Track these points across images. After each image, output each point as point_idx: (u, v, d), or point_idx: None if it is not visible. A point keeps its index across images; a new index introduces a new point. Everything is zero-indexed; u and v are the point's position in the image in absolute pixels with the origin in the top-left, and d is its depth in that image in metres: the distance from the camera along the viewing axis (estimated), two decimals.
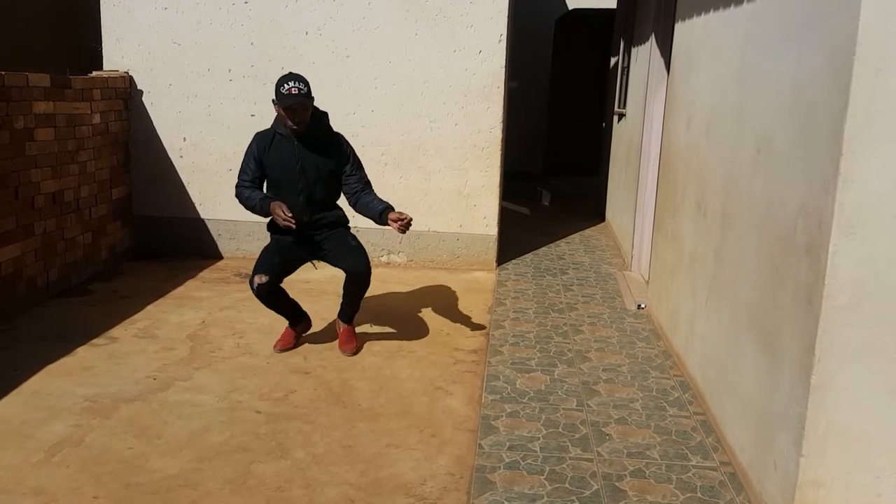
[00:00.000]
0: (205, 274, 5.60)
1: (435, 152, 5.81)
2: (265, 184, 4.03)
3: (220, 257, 6.05)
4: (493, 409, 3.46)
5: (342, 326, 4.19)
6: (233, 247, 6.06)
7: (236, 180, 4.02)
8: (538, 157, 10.60)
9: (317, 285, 5.01)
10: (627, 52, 7.23)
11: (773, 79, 2.77)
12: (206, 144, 5.91)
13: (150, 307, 4.77)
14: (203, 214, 6.03)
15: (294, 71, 4.04)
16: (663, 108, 5.16)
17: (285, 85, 3.78)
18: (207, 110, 5.86)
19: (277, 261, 3.96)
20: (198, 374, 3.78)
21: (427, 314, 4.83)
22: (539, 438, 3.18)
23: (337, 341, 4.20)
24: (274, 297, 3.99)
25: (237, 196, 4.00)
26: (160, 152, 5.94)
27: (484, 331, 4.52)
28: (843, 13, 2.20)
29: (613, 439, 3.20)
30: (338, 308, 4.22)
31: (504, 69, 5.70)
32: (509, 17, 5.67)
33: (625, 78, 7.28)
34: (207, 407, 3.42)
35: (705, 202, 3.62)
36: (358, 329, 4.40)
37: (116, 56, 5.82)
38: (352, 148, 4.09)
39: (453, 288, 5.44)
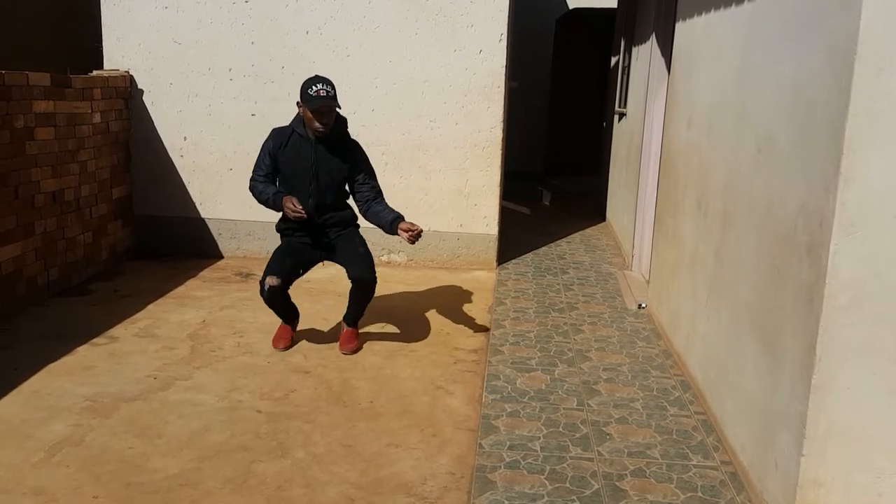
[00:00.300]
0: (205, 273, 5.60)
1: (435, 152, 5.81)
2: (278, 181, 4.05)
3: (220, 257, 6.05)
4: (494, 408, 3.46)
5: (345, 328, 4.20)
6: (233, 246, 6.06)
7: (251, 174, 4.03)
8: (539, 157, 10.60)
9: (317, 285, 5.01)
10: (628, 51, 7.23)
11: (773, 78, 2.77)
12: (207, 144, 5.91)
13: (150, 306, 4.77)
14: (204, 214, 6.03)
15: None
16: (664, 107, 5.16)
17: (313, 87, 3.78)
18: (208, 109, 5.86)
19: (289, 263, 3.98)
20: (198, 373, 3.78)
21: (427, 314, 4.83)
22: (539, 438, 3.18)
23: (338, 342, 4.20)
24: (282, 299, 4.02)
25: (251, 189, 4.01)
26: (161, 152, 5.94)
27: (484, 330, 4.52)
28: (843, 12, 2.20)
29: (614, 439, 3.20)
30: (338, 308, 4.23)
31: (504, 68, 5.69)
32: (510, 16, 5.67)
33: (625, 77, 7.27)
34: (208, 406, 3.42)
35: (706, 202, 3.62)
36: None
37: (117, 55, 5.82)
38: (366, 156, 4.11)
39: (454, 287, 5.44)
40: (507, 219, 6.85)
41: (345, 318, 4.22)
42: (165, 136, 5.92)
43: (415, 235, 3.81)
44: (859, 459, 2.34)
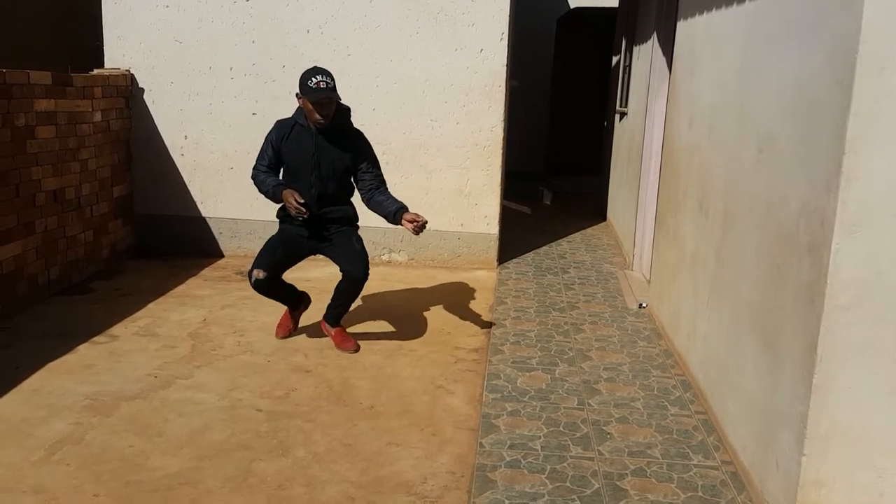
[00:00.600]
0: (206, 272, 5.60)
1: (436, 151, 5.80)
2: (282, 171, 4.06)
3: (221, 255, 6.05)
4: (494, 407, 3.46)
5: (333, 329, 4.15)
6: (234, 245, 6.06)
7: (254, 163, 4.05)
8: (539, 156, 10.60)
9: (318, 284, 5.00)
10: (629, 50, 7.22)
11: (775, 78, 2.77)
12: (208, 143, 5.91)
13: (151, 305, 4.77)
14: (204, 213, 6.03)
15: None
16: (665, 106, 5.15)
17: (313, 78, 3.78)
18: (209, 108, 5.86)
19: (279, 254, 3.99)
20: (199, 372, 3.78)
21: (428, 313, 4.83)
22: (540, 437, 3.18)
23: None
24: (272, 289, 4.05)
25: (252, 178, 4.02)
26: (161, 150, 5.93)
27: (485, 329, 4.52)
28: (845, 12, 2.20)
29: (614, 438, 3.19)
30: None
31: (505, 68, 5.69)
32: (511, 15, 5.66)
33: (626, 77, 7.27)
34: (208, 405, 3.42)
35: (707, 201, 3.62)
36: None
37: (118, 54, 5.82)
38: (370, 146, 4.08)
39: (454, 287, 5.44)
40: (507, 218, 6.84)
41: (327, 318, 4.15)
42: (166, 134, 5.92)
43: (419, 226, 3.78)
44: (861, 459, 2.34)
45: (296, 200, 3.76)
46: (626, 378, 3.85)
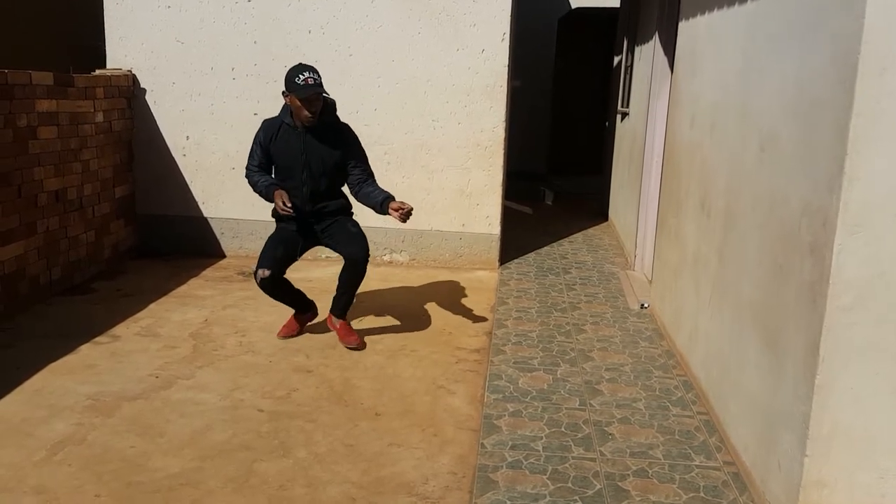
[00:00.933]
0: (207, 272, 5.60)
1: (438, 151, 5.80)
2: (273, 170, 4.09)
3: (222, 256, 6.05)
4: (496, 408, 3.45)
5: (338, 322, 4.18)
6: (235, 245, 6.06)
7: (246, 162, 4.11)
8: (541, 157, 10.59)
9: (319, 284, 5.00)
10: (631, 51, 7.22)
11: (776, 77, 2.76)
12: (210, 143, 5.91)
13: (152, 305, 4.77)
14: (206, 213, 6.03)
15: None
16: (667, 106, 5.15)
17: (300, 76, 3.80)
18: (210, 109, 5.86)
19: (280, 252, 4.01)
20: (200, 372, 3.78)
21: (429, 313, 4.83)
22: (542, 438, 3.17)
23: (338, 339, 4.20)
24: (278, 288, 4.07)
25: (246, 178, 4.09)
26: (163, 151, 5.94)
27: (486, 330, 4.52)
28: (846, 12, 2.19)
29: (616, 439, 3.19)
30: None
31: (507, 68, 5.69)
32: (512, 15, 5.66)
33: (628, 77, 7.27)
34: (210, 405, 3.42)
35: (709, 201, 3.61)
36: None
37: (119, 54, 5.83)
38: (357, 139, 4.11)
39: (456, 287, 5.44)
40: (509, 218, 6.84)
41: (333, 310, 4.18)
42: (168, 135, 5.92)
43: (405, 213, 3.81)
44: (863, 460, 2.33)
45: (283, 202, 3.78)
46: (627, 378, 3.84)
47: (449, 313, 4.82)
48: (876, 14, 2.08)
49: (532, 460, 2.98)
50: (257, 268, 3.96)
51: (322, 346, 4.17)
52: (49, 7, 7.48)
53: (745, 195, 3.07)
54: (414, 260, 5.99)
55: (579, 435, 3.21)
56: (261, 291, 4.08)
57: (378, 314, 4.73)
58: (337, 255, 4.23)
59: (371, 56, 5.70)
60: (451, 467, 2.95)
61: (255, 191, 4.05)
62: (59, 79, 4.87)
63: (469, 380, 3.80)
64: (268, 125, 4.03)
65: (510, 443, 3.12)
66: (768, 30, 2.89)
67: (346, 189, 4.18)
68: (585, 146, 10.61)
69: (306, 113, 3.84)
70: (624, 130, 7.36)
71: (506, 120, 5.79)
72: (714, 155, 3.58)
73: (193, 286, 5.24)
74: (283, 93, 3.91)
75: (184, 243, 6.03)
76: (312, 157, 3.95)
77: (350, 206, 4.20)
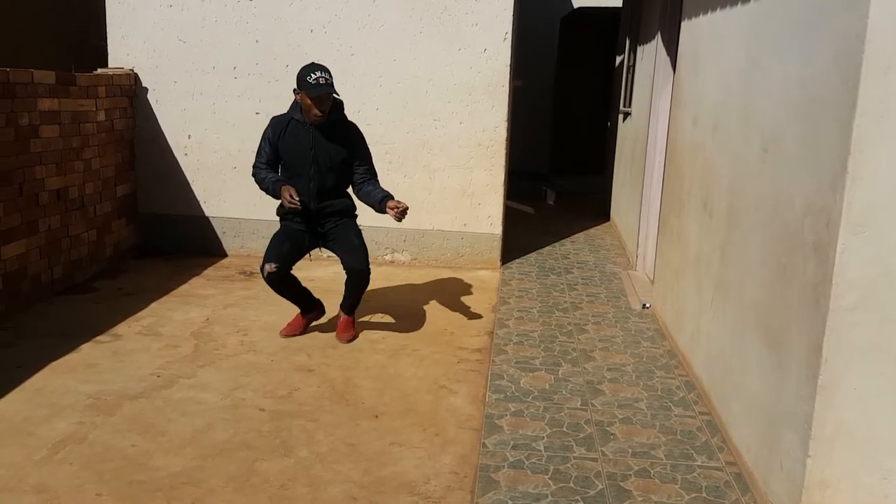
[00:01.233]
0: (209, 272, 5.60)
1: (439, 151, 5.80)
2: (280, 166, 4.12)
3: (224, 255, 6.05)
4: (497, 408, 3.45)
5: (342, 316, 4.28)
6: (237, 244, 6.06)
7: (254, 160, 4.12)
8: (543, 156, 10.58)
9: (321, 283, 5.00)
10: (633, 50, 7.21)
11: (779, 77, 2.76)
12: (211, 142, 5.91)
13: (154, 304, 4.77)
14: (208, 212, 6.03)
15: (299, 69, 4.04)
16: (669, 106, 5.14)
17: (312, 75, 3.85)
18: (212, 108, 5.86)
19: (287, 248, 4.05)
20: (202, 371, 3.78)
21: (431, 313, 4.82)
22: (543, 438, 3.17)
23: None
24: (285, 283, 4.10)
25: (253, 176, 4.11)
26: (165, 150, 5.94)
27: (488, 330, 4.51)
28: (850, 11, 2.19)
29: (618, 439, 3.19)
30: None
31: (509, 68, 5.68)
32: (514, 15, 5.65)
33: (630, 77, 7.26)
34: (211, 404, 3.41)
35: (711, 201, 3.61)
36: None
37: (121, 53, 5.83)
38: (364, 139, 4.18)
39: (457, 287, 5.43)
40: (511, 218, 6.83)
41: (341, 305, 4.29)
42: (170, 134, 5.92)
43: (400, 212, 3.90)
44: (866, 460, 2.33)
45: (290, 196, 3.83)
46: (629, 379, 3.84)
47: (450, 313, 4.82)
48: (879, 13, 2.07)
49: (534, 460, 2.98)
50: (264, 262, 3.99)
51: (323, 346, 4.17)
52: (49, 7, 7.48)
53: (747, 195, 3.06)
54: (415, 259, 5.99)
55: (581, 435, 3.21)
56: (262, 291, 4.10)
57: (379, 313, 4.72)
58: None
59: (373, 55, 5.70)
60: (452, 467, 2.94)
61: (261, 188, 4.07)
62: (61, 77, 4.87)
63: (471, 379, 3.80)
64: (276, 121, 4.08)
65: (512, 443, 3.12)
66: (771, 29, 2.88)
67: (349, 189, 4.22)
68: (587, 146, 10.59)
69: (316, 112, 3.90)
70: (626, 130, 7.35)
71: (508, 119, 5.79)
72: (716, 154, 3.57)
73: (195, 285, 5.24)
74: (294, 90, 3.96)
75: (185, 242, 6.03)
76: (321, 153, 3.99)
77: (354, 208, 4.24)
